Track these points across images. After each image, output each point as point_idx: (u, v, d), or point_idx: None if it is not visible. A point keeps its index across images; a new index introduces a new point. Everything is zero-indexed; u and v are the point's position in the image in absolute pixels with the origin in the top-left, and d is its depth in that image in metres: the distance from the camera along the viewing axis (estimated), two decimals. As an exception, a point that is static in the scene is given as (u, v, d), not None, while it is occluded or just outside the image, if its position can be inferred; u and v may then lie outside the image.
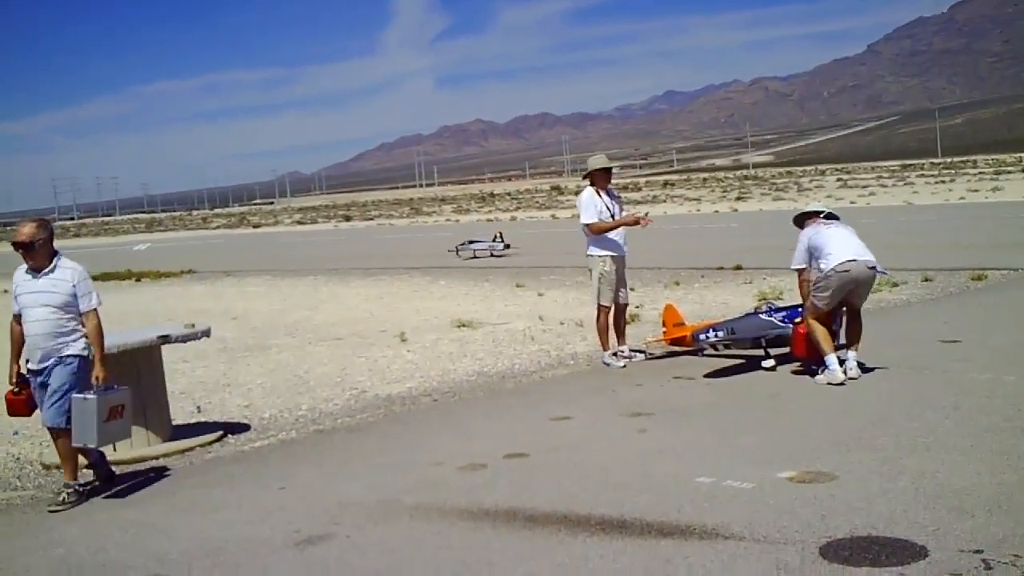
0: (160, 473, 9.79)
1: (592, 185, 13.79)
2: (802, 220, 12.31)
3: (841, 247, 11.46)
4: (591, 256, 13.75)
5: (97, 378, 8.96)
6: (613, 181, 14.32)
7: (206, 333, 11.30)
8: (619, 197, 14.03)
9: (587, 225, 13.70)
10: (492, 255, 36.50)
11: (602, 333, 13.81)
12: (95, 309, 9.34)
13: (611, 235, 13.58)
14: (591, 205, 13.62)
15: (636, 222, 13.70)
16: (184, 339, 11.07)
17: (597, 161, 13.92)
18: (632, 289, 16.54)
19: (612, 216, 13.59)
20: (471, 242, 37.87)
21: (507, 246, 37.26)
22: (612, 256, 13.61)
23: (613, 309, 13.81)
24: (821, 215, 12.18)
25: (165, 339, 10.73)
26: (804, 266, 11.80)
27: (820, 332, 11.41)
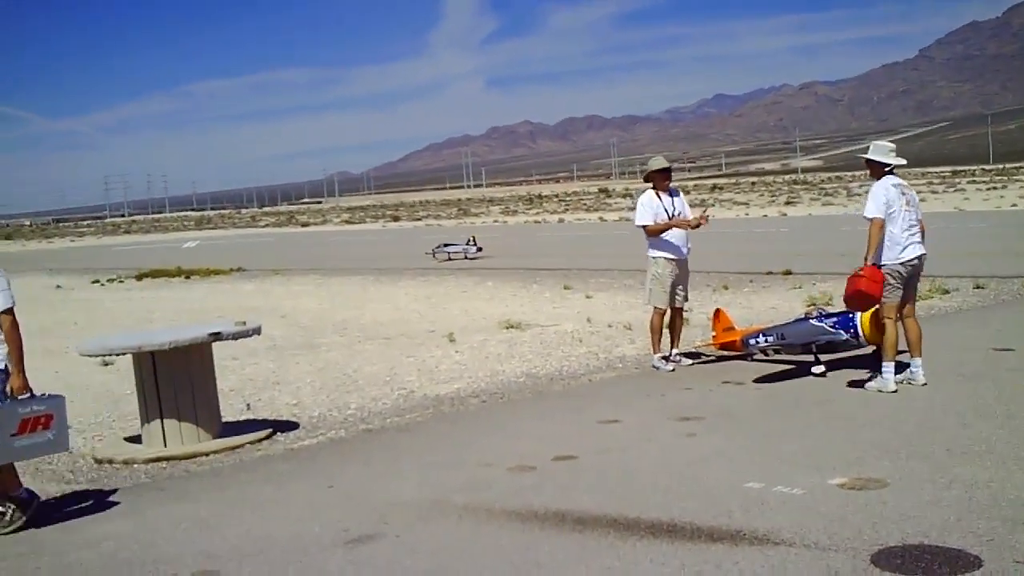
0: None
1: (653, 187, 13.78)
2: (876, 167, 11.69)
3: (911, 238, 11.22)
4: (648, 257, 13.75)
5: (11, 388, 8.29)
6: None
7: (257, 331, 11.34)
8: (679, 195, 13.94)
9: (642, 227, 13.73)
10: (466, 258, 38.03)
11: (654, 335, 13.75)
12: (9, 310, 8.52)
13: (669, 237, 13.51)
14: (647, 207, 13.62)
15: (690, 224, 13.62)
16: (235, 336, 11.11)
17: (655, 162, 13.92)
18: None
19: (670, 217, 13.54)
20: (446, 245, 39.75)
21: (479, 249, 38.73)
22: (667, 258, 13.55)
23: (669, 312, 13.74)
24: (888, 169, 11.59)
25: (216, 336, 10.78)
26: (880, 217, 11.29)
27: (892, 337, 11.22)
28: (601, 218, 71.48)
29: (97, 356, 12.57)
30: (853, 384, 11.66)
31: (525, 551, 6.77)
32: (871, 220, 11.22)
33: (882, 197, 11.24)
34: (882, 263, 11.21)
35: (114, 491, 9.37)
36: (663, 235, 13.52)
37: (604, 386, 12.82)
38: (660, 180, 13.76)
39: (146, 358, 10.62)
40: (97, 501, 9.03)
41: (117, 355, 11.33)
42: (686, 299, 14.08)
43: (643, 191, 14.16)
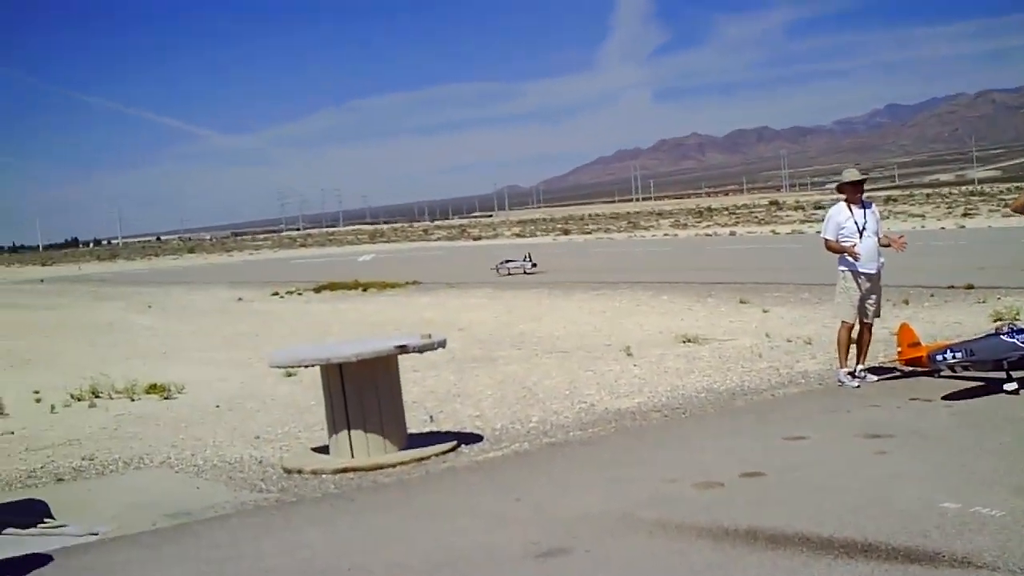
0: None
1: (845, 199, 13.63)
2: None
3: None
4: (837, 270, 13.60)
5: None
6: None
7: (442, 344, 11.48)
8: (871, 207, 13.71)
9: (825, 240, 13.64)
10: (524, 272, 41.93)
11: (840, 349, 13.50)
12: None
13: (858, 250, 13.31)
14: (833, 220, 13.49)
15: (857, 255, 13.38)
16: (421, 349, 11.26)
17: (848, 174, 13.75)
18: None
19: (860, 229, 13.34)
20: (507, 261, 43.96)
21: (534, 265, 42.68)
22: (854, 272, 13.35)
23: (857, 326, 13.53)
24: None
25: (403, 349, 10.94)
26: None
27: None
28: (773, 231, 70.60)
29: (287, 367, 12.86)
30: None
31: (718, 569, 6.71)
32: None
33: None
34: None
35: (304, 501, 9.58)
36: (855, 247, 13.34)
37: (788, 402, 12.64)
38: (852, 192, 13.58)
39: (334, 370, 10.82)
40: (289, 511, 9.23)
41: (306, 367, 11.55)
42: (877, 314, 13.80)
43: (835, 202, 14.02)
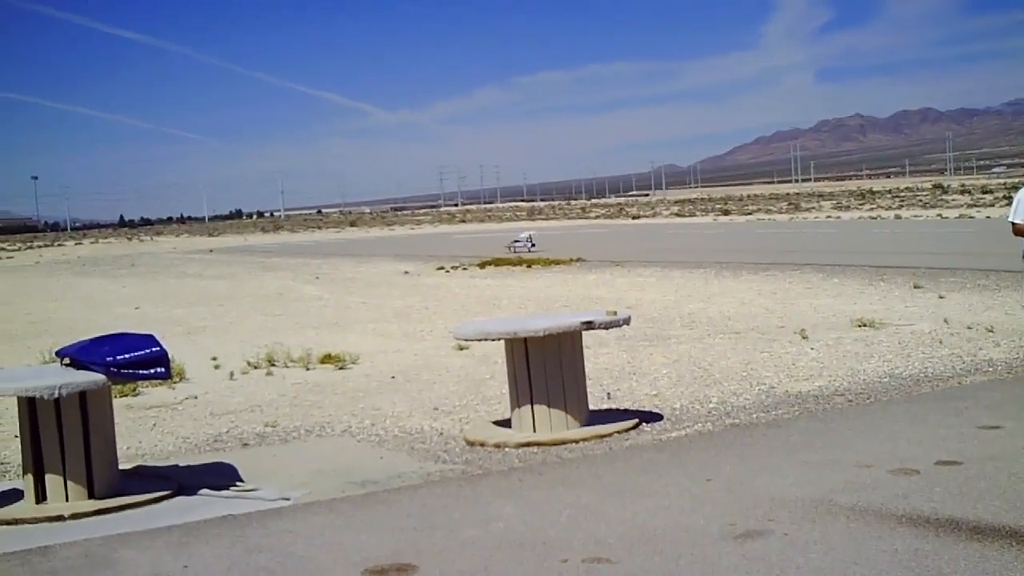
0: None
1: None
2: None
3: None
4: (1022, 255, 13.21)
5: None
6: None
7: (627, 321, 11.43)
8: None
9: (1012, 224, 13.25)
10: (528, 251, 47.67)
11: None
12: None
13: None
14: (1021, 204, 13.09)
15: None
16: (607, 326, 11.24)
17: None
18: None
19: None
20: (515, 241, 51.09)
21: (533, 245, 49.81)
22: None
23: None
24: None
25: (589, 325, 10.91)
26: None
27: None
28: (940, 215, 68.96)
29: (473, 340, 12.97)
30: None
31: (923, 558, 6.55)
32: None
33: None
34: None
35: (491, 474, 9.64)
36: None
37: (976, 390, 12.28)
38: None
39: (519, 344, 10.85)
40: (477, 483, 9.28)
41: (492, 340, 11.61)
42: None
43: (1022, 184, 13.65)
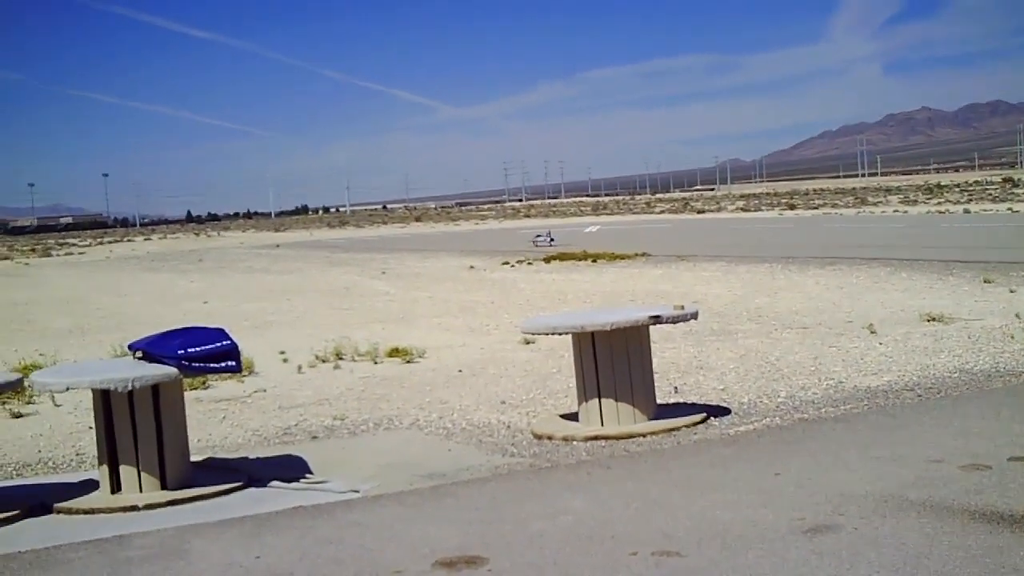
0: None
1: None
2: None
3: None
4: None
5: None
6: None
7: (694, 315, 11.39)
8: None
9: None
10: (549, 245, 49.51)
11: None
12: None
13: None
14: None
15: None
16: (674, 320, 11.20)
17: None
18: None
19: None
20: (538, 235, 53.87)
21: (552, 240, 51.61)
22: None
23: None
24: None
25: (656, 319, 10.89)
26: None
27: None
28: (1011, 209, 68.04)
29: (541, 334, 13.00)
30: None
31: (998, 554, 6.49)
32: None
33: None
34: None
35: (559, 467, 9.66)
36: None
37: (1051, 386, 12.16)
38: None
39: (587, 338, 10.85)
40: (545, 476, 9.30)
41: (560, 334, 11.62)
42: None
43: None
